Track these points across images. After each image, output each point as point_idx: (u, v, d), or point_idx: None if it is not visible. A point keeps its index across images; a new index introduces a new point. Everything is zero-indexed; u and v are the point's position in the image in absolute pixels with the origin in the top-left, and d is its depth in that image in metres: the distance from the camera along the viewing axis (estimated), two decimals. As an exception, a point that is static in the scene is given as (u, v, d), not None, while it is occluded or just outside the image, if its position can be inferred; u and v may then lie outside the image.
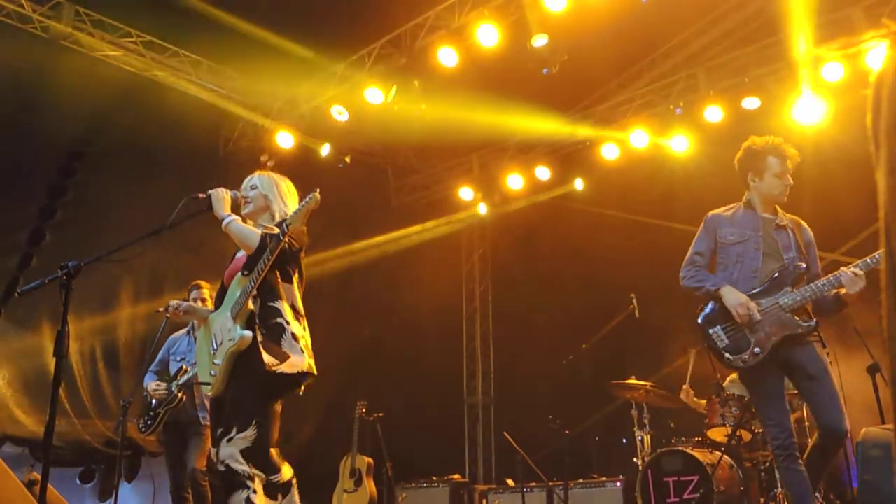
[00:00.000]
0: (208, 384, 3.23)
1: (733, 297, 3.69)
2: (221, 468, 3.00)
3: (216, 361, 3.17)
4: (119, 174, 6.80)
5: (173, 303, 4.09)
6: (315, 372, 3.22)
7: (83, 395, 6.77)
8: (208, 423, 5.05)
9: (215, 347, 3.22)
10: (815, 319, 3.64)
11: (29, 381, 6.47)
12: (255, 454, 3.02)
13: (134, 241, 3.19)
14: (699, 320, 3.88)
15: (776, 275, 3.69)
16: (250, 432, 3.01)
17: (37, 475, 4.41)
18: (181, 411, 5.08)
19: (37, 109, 6.31)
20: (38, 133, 6.47)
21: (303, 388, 3.24)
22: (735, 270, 3.80)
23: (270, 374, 3.05)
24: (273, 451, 3.14)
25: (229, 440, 3.00)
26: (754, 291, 3.71)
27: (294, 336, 3.16)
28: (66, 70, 6.49)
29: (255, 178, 3.50)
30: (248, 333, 3.08)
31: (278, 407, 3.19)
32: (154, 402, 5.13)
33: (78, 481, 7.06)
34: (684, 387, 6.26)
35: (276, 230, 3.13)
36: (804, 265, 3.71)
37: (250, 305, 3.13)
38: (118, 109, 6.82)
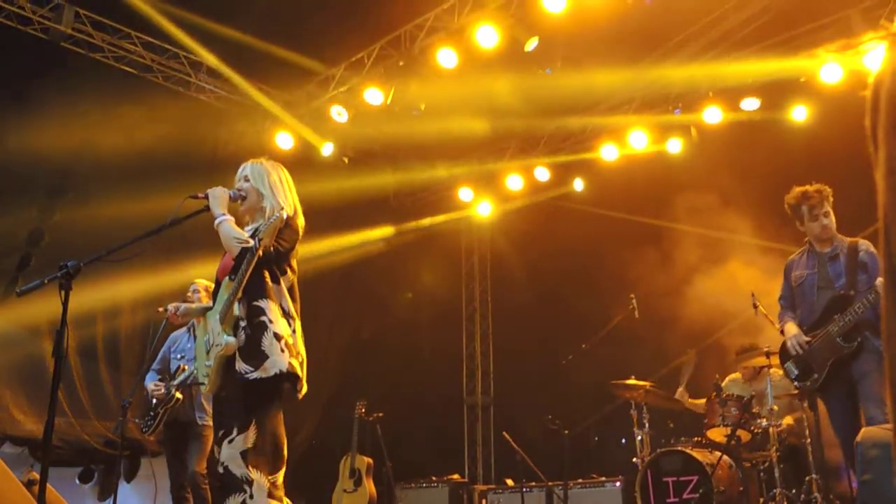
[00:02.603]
0: (202, 383, 3.22)
1: (787, 333, 4.38)
2: (220, 469, 2.97)
3: (207, 363, 3.16)
4: (119, 175, 6.79)
5: (171, 306, 4.09)
6: (298, 373, 3.15)
7: (82, 394, 6.77)
8: (206, 424, 5.07)
9: (208, 347, 3.21)
10: (858, 340, 4.07)
11: (28, 381, 6.46)
12: (257, 455, 2.99)
13: (133, 240, 3.19)
14: (779, 356, 4.55)
15: (826, 305, 4.24)
16: (251, 433, 2.99)
17: (36, 475, 4.40)
18: (180, 411, 5.08)
19: (36, 110, 6.31)
20: (38, 133, 6.47)
21: (302, 390, 3.19)
22: (802, 308, 4.43)
23: (246, 381, 3.02)
24: (277, 451, 3.10)
25: (230, 441, 2.98)
26: (812, 323, 4.29)
27: (276, 335, 3.10)
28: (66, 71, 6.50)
29: (248, 168, 3.43)
30: (234, 340, 3.06)
31: (277, 406, 3.13)
32: (154, 401, 5.13)
33: (77, 481, 7.05)
34: (679, 389, 6.26)
35: (251, 242, 3.09)
36: (851, 291, 4.15)
37: (235, 311, 3.10)
38: (118, 111, 6.82)
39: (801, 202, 4.35)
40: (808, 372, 4.30)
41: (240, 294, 3.10)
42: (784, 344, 4.44)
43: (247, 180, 3.40)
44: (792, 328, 4.37)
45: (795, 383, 4.42)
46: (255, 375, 3.02)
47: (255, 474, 2.96)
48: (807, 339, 4.28)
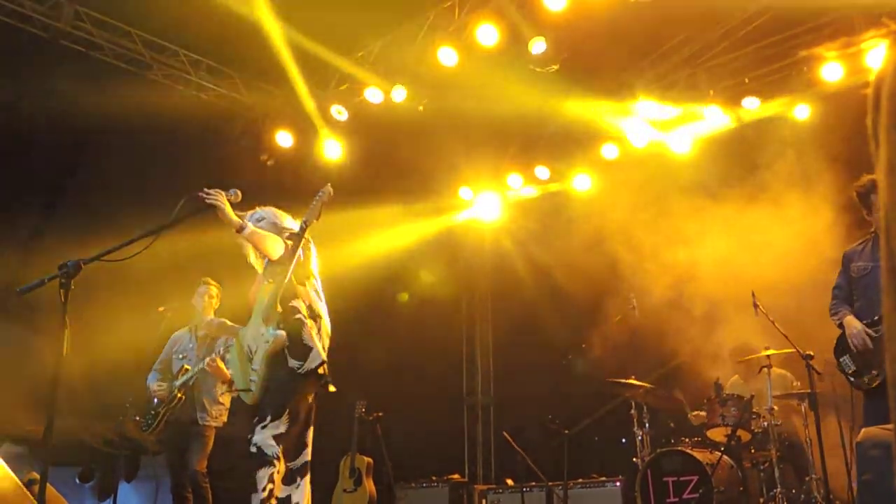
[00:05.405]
0: (247, 391, 3.43)
1: (850, 328, 4.10)
2: (253, 450, 3.24)
3: (254, 367, 3.39)
4: (119, 174, 6.79)
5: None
6: (326, 372, 3.49)
7: (81, 394, 6.75)
8: (207, 424, 5.09)
9: (251, 355, 3.43)
10: None
11: (28, 381, 6.46)
12: (286, 440, 3.30)
13: (133, 239, 3.20)
14: (834, 350, 4.31)
15: None
16: (284, 420, 3.28)
17: (36, 475, 4.40)
18: (182, 410, 5.09)
19: (37, 111, 6.31)
20: (38, 134, 6.46)
21: (329, 387, 3.52)
22: (861, 300, 4.16)
23: (297, 374, 3.34)
24: (301, 441, 3.44)
25: (263, 427, 3.27)
26: (876, 318, 4.00)
27: (310, 334, 3.44)
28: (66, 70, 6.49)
29: (260, 212, 3.78)
30: (282, 332, 3.35)
31: (310, 398, 3.48)
32: (156, 400, 5.15)
33: (77, 481, 7.05)
34: (692, 414, 6.18)
35: (295, 229, 3.47)
36: None
37: (279, 308, 3.37)
38: (118, 109, 6.81)
39: (874, 191, 4.04)
40: (867, 368, 4.06)
41: (286, 283, 3.39)
42: (842, 337, 4.22)
43: (262, 220, 3.75)
44: (855, 322, 4.11)
45: (851, 379, 4.18)
46: (303, 369, 3.35)
47: (281, 454, 3.31)
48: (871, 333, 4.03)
